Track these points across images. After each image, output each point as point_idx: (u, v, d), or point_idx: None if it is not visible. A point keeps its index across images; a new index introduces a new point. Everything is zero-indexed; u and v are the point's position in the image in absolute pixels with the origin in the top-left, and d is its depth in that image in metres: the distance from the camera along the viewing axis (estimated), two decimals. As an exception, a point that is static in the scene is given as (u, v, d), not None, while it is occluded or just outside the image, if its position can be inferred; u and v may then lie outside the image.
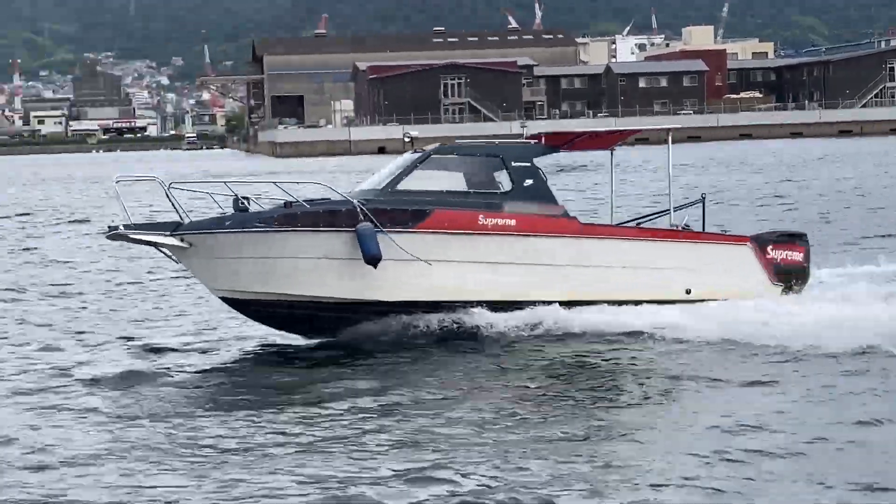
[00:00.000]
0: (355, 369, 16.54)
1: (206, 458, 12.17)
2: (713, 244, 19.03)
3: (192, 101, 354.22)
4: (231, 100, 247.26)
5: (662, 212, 20.13)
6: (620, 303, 18.15)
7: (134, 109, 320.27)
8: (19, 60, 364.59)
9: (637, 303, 18.21)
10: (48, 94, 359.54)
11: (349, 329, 18.12)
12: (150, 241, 18.05)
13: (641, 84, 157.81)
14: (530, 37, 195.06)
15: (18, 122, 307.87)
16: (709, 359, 16.43)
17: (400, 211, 17.87)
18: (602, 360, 16.67)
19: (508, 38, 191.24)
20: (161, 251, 18.48)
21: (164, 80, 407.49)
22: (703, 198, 20.01)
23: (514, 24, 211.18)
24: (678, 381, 15.26)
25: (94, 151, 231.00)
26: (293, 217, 17.72)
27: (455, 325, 17.93)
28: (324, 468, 11.66)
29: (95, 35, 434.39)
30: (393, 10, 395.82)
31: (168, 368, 16.92)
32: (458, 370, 16.29)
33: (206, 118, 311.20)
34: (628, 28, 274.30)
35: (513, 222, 18.09)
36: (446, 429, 13.03)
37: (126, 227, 17.84)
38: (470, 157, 18.97)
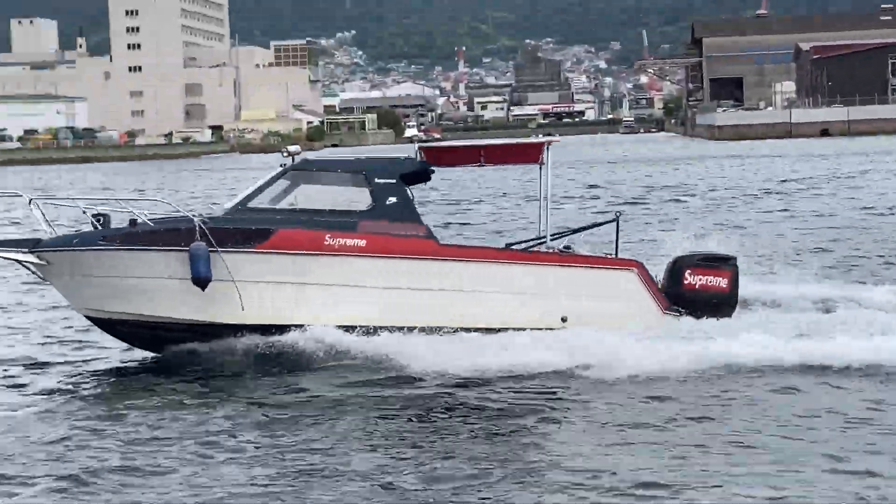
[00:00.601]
0: (187, 388, 15.91)
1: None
2: (591, 269, 17.22)
3: (629, 85, 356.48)
4: (669, 83, 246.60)
5: (579, 229, 18.99)
6: (487, 330, 16.63)
7: (572, 94, 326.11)
8: (464, 48, 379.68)
9: (504, 331, 16.68)
10: (490, 81, 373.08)
11: (202, 348, 17.34)
12: (8, 258, 17.66)
13: None
14: None
15: (463, 108, 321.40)
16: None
17: (240, 230, 17.05)
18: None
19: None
20: (26, 267, 17.96)
21: (602, 65, 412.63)
22: (618, 217, 18.38)
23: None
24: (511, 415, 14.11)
25: (532, 136, 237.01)
26: (135, 235, 17.22)
27: (298, 350, 16.71)
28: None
29: (536, 21, 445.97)
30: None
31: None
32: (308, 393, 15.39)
33: (643, 102, 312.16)
34: None
35: (363, 242, 16.97)
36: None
37: (6, 241, 17.82)
38: (332, 174, 17.96)
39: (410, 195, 17.53)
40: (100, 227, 17.49)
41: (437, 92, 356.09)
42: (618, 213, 18.70)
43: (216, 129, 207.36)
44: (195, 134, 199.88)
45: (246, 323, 17.14)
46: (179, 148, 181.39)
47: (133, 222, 17.46)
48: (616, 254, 18.00)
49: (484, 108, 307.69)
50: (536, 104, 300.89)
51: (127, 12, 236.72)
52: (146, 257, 17.20)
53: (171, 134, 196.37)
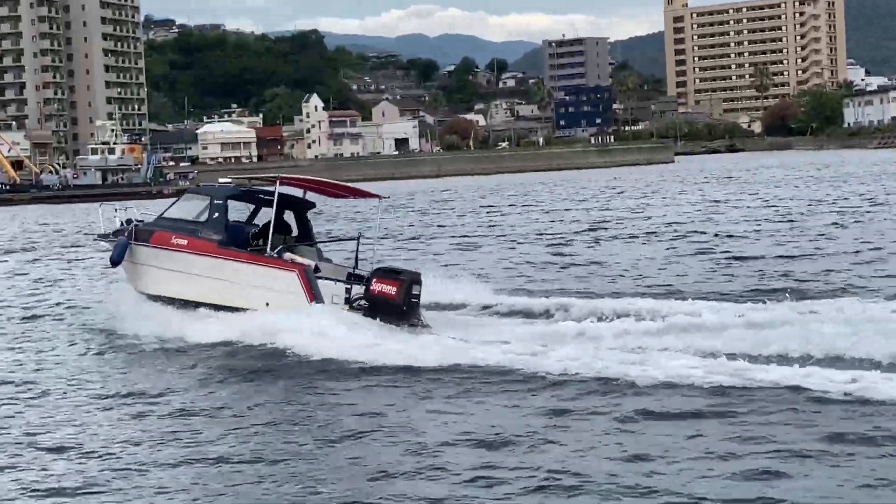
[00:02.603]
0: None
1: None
2: (270, 268, 23.08)
3: None
4: None
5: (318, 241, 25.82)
6: (233, 309, 22.99)
7: None
8: None
9: (240, 310, 22.86)
10: None
11: None
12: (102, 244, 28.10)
13: None
14: None
15: None
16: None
17: (143, 230, 25.10)
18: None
19: None
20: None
21: None
22: (359, 235, 24.93)
23: None
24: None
25: None
26: (120, 231, 25.93)
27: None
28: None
29: None
30: None
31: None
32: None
33: None
34: None
35: (185, 242, 24.17)
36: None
37: (100, 235, 27.68)
38: (199, 195, 25.44)
39: (226, 211, 24.33)
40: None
41: None
42: (360, 233, 25.63)
43: None
44: None
45: (144, 292, 25.31)
46: None
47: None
48: (356, 265, 23.97)
49: None
50: None
51: None
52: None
53: None
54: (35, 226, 79.17)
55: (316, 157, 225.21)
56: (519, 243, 45.65)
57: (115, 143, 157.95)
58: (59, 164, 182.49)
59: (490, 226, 57.72)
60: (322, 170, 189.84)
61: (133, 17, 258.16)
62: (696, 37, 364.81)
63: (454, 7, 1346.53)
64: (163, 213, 25.52)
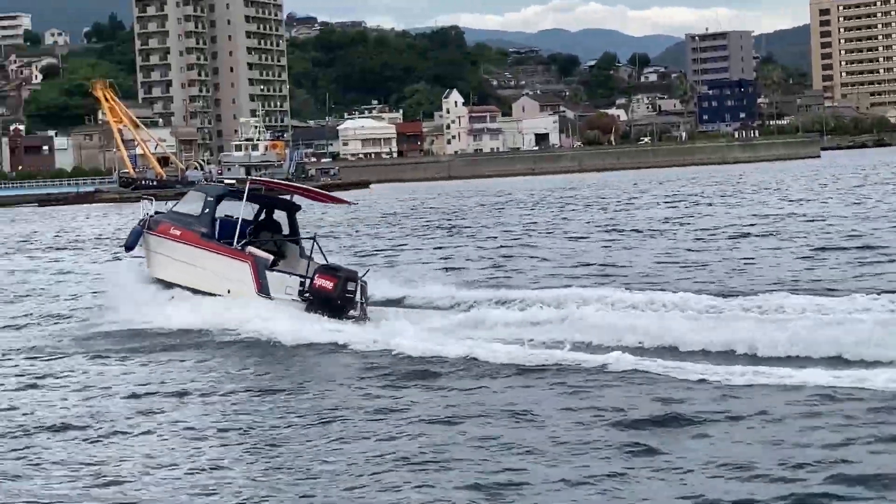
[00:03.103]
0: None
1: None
2: (226, 258, 25.93)
3: None
4: None
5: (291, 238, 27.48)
6: (204, 293, 25.95)
7: None
8: None
9: (210, 294, 25.86)
10: None
11: None
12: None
13: None
14: None
15: None
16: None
17: (154, 221, 27.78)
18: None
19: None
20: None
21: None
22: (315, 235, 26.93)
23: None
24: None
25: None
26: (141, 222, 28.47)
27: None
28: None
29: None
30: None
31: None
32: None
33: None
34: None
35: (178, 233, 27.02)
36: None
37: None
38: (197, 193, 28.59)
39: (214, 208, 26.84)
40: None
41: None
42: (315, 234, 27.27)
43: None
44: None
45: (152, 276, 27.51)
46: None
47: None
48: (325, 260, 26.07)
49: None
50: None
51: None
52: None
53: None
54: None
55: (455, 152, 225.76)
56: (668, 238, 44.90)
57: (258, 140, 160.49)
58: (203, 161, 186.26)
59: (630, 219, 56.98)
60: (461, 165, 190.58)
61: (276, 15, 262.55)
62: (842, 29, 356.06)
63: (594, 1, 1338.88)
64: (173, 207, 28.33)
